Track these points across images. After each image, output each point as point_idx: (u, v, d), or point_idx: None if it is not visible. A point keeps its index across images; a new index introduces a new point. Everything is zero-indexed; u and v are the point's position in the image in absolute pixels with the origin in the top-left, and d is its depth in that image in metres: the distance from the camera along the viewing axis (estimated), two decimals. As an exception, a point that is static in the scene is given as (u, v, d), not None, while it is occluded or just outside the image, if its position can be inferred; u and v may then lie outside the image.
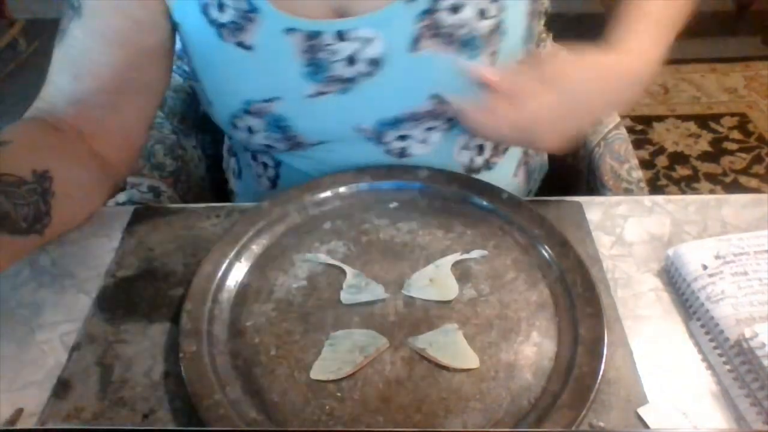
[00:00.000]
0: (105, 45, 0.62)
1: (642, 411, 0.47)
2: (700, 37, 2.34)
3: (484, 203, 0.63)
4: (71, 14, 0.61)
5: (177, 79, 0.94)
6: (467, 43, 0.61)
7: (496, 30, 0.62)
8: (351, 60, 0.61)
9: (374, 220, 0.63)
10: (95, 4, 0.61)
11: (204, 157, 0.94)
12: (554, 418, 0.45)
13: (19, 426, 0.48)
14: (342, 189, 0.65)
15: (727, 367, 0.49)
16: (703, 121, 2.03)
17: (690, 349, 0.52)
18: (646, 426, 0.46)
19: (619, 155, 0.86)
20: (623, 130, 0.86)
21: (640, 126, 2.01)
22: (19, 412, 0.49)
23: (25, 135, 0.60)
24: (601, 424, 0.47)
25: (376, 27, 0.60)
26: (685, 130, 2.00)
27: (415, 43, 0.60)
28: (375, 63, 0.61)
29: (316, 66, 0.61)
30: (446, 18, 0.60)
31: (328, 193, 0.65)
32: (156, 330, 0.54)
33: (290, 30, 0.60)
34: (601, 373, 0.48)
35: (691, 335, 0.53)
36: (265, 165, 0.74)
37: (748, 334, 0.48)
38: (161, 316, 0.55)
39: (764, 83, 2.16)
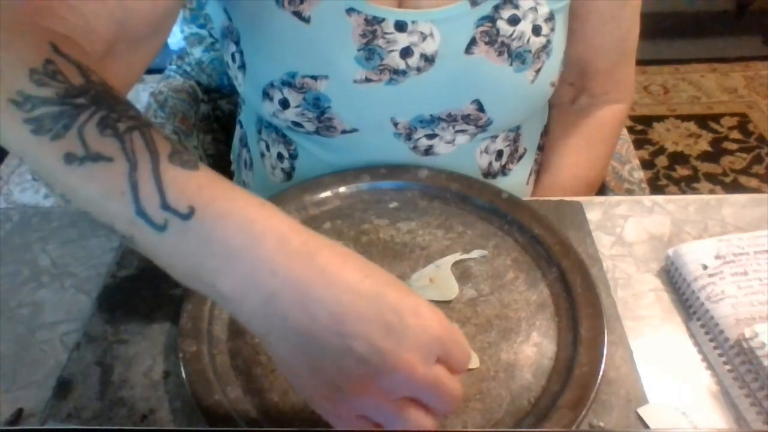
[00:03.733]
0: None
1: (642, 411, 0.47)
2: (700, 37, 2.34)
3: (484, 203, 0.63)
4: None
5: (178, 79, 0.94)
6: (518, 56, 0.62)
7: (545, 48, 0.64)
8: (406, 52, 0.61)
9: (374, 220, 0.63)
10: None
11: (206, 157, 0.94)
12: (554, 418, 0.45)
13: (19, 426, 0.48)
14: (342, 189, 0.65)
15: (727, 367, 0.49)
16: (703, 121, 2.03)
17: (690, 349, 0.52)
18: (646, 426, 0.46)
19: (620, 156, 0.86)
20: (624, 131, 0.86)
21: (640, 126, 2.01)
22: (19, 412, 0.49)
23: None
24: (601, 424, 0.47)
25: (437, 24, 0.60)
26: (685, 130, 2.00)
27: (470, 46, 0.61)
28: (428, 59, 0.61)
29: (370, 52, 0.61)
30: (504, 27, 0.61)
31: (328, 193, 0.65)
32: (156, 330, 0.54)
33: (352, 10, 0.60)
34: (601, 373, 0.48)
35: (691, 335, 0.53)
36: (281, 156, 0.73)
37: (748, 334, 0.48)
38: (161, 316, 0.55)
39: (764, 83, 2.16)
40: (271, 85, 0.64)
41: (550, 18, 0.63)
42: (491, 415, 0.47)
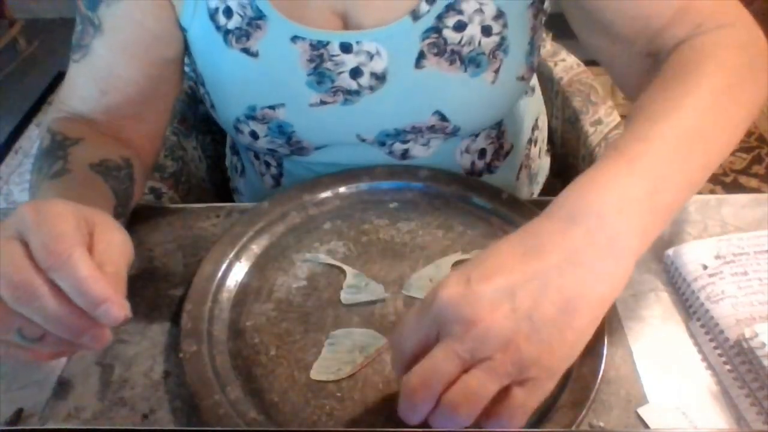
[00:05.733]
0: (128, 60, 0.63)
1: (642, 411, 0.47)
2: (700, 38, 2.33)
3: (484, 203, 0.63)
4: (92, 31, 0.62)
5: (177, 79, 0.94)
6: (471, 61, 0.62)
7: (500, 47, 0.62)
8: (355, 73, 0.61)
9: (374, 220, 0.63)
10: (116, 21, 0.62)
11: (204, 157, 0.94)
12: (554, 418, 0.45)
13: (19, 426, 0.48)
14: (342, 189, 0.65)
15: (727, 367, 0.49)
16: (703, 121, 2.03)
17: (690, 349, 0.52)
18: (646, 426, 0.46)
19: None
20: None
21: (640, 126, 2.01)
22: (19, 412, 0.49)
23: (88, 131, 0.62)
24: (601, 424, 0.47)
25: (381, 42, 0.60)
26: (685, 131, 2.00)
27: (420, 60, 0.61)
28: (379, 77, 0.62)
29: (320, 75, 0.62)
30: (451, 35, 0.60)
31: (328, 193, 0.65)
32: (156, 330, 0.54)
33: (296, 38, 0.60)
34: (601, 373, 0.48)
35: (691, 335, 0.53)
36: (268, 164, 0.75)
37: (748, 334, 0.48)
38: (161, 316, 0.55)
39: (764, 83, 2.16)
40: (238, 120, 0.66)
41: (500, 15, 0.61)
42: (491, 415, 0.47)
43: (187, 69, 0.95)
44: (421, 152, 0.68)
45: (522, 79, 0.66)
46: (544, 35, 0.85)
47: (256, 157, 0.76)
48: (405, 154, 0.68)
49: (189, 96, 0.93)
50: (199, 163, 0.92)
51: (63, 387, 0.50)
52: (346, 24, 0.62)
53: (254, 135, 0.66)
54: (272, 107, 0.64)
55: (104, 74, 0.63)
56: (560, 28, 0.70)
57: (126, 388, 0.50)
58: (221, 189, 0.94)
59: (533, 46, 0.66)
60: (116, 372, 0.51)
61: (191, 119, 0.92)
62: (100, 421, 0.48)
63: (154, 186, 0.79)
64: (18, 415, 0.48)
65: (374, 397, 0.48)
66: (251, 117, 0.65)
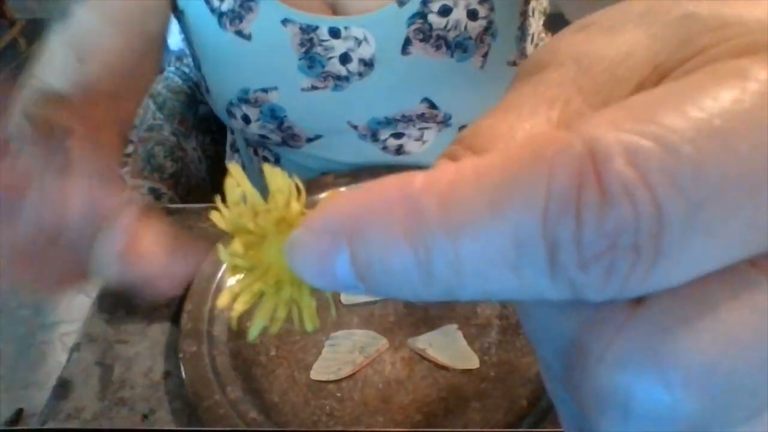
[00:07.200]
0: (112, 27, 0.59)
1: (642, 411, 0.47)
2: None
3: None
4: None
5: (176, 81, 0.94)
6: (458, 46, 0.61)
7: (487, 31, 0.62)
8: (345, 58, 0.62)
9: (374, 220, 0.62)
10: None
11: (204, 158, 0.94)
12: (554, 418, 0.45)
13: (19, 426, 0.48)
14: (342, 189, 0.65)
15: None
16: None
17: (690, 349, 0.52)
18: (646, 426, 0.46)
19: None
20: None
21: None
22: (19, 412, 0.49)
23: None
24: (601, 423, 0.47)
25: (369, 28, 0.60)
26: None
27: (406, 46, 0.61)
28: (367, 64, 0.62)
29: (311, 60, 0.62)
30: (436, 20, 0.60)
31: (328, 193, 0.65)
32: (156, 330, 0.54)
33: (287, 21, 0.61)
34: (600, 372, 0.48)
35: (691, 335, 0.53)
36: (266, 159, 0.75)
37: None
38: (161, 316, 0.55)
39: (764, 84, 2.17)
40: (231, 103, 0.66)
41: None
42: (491, 415, 0.47)
43: (186, 69, 0.95)
44: (415, 148, 0.68)
45: (514, 64, 0.65)
46: (543, 35, 0.85)
47: (255, 153, 0.75)
48: (399, 150, 0.68)
49: (188, 96, 0.93)
50: (199, 164, 0.92)
51: (63, 387, 0.50)
52: (336, 10, 0.62)
53: (246, 119, 0.66)
54: (265, 90, 0.64)
55: (84, 40, 0.58)
56: (560, 28, 0.70)
57: (126, 388, 0.50)
58: (222, 189, 0.94)
59: (524, 32, 0.66)
60: (116, 372, 0.51)
61: (191, 120, 0.92)
62: (100, 421, 0.48)
63: (154, 186, 0.79)
64: (18, 415, 0.48)
65: (374, 397, 0.48)
66: (244, 100, 0.65)
